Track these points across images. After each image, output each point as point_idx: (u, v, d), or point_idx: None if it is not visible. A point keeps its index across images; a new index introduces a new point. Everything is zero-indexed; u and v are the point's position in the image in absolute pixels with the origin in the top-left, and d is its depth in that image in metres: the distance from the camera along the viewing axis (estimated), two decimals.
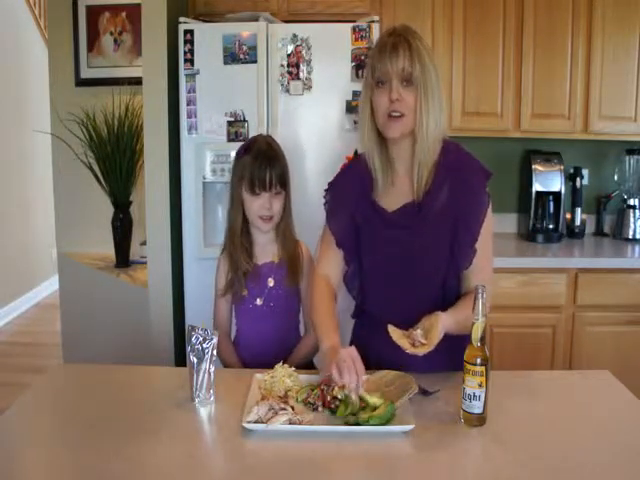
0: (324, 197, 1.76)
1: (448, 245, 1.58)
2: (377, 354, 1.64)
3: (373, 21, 2.74)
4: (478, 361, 1.34)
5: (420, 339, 1.43)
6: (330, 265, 1.71)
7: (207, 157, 2.80)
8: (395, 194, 1.63)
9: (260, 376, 1.55)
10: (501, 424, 1.38)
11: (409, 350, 1.41)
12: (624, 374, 1.68)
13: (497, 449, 1.30)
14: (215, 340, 1.49)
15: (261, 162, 1.78)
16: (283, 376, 1.53)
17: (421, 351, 1.41)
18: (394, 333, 1.45)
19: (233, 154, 2.72)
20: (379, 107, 1.55)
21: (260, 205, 1.80)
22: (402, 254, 1.60)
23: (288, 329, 1.90)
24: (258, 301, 1.85)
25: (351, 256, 1.69)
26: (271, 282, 1.85)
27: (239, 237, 1.85)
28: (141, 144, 3.12)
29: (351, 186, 1.69)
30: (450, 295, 1.63)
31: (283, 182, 1.82)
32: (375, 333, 1.59)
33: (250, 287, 1.85)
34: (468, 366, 1.35)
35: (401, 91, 1.52)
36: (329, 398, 1.42)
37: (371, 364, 1.64)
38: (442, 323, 1.44)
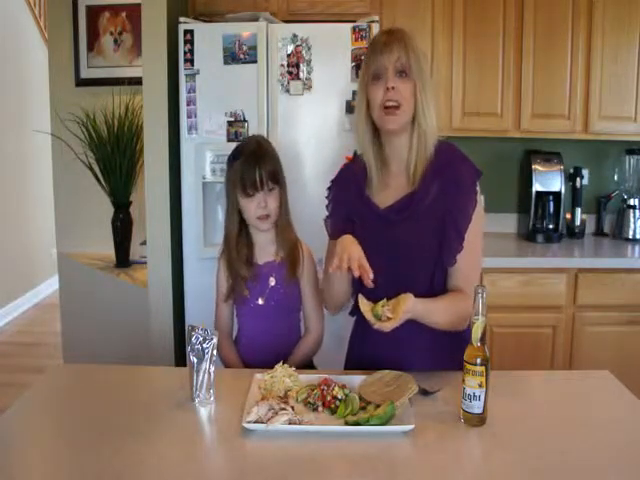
0: (326, 197, 1.77)
1: (436, 242, 1.59)
2: (372, 351, 1.67)
3: (373, 21, 2.74)
4: (478, 361, 1.34)
5: (387, 314, 1.44)
6: None
7: (207, 157, 2.80)
8: (389, 191, 1.65)
9: (260, 376, 1.55)
10: (501, 424, 1.38)
11: (375, 325, 1.43)
12: (624, 374, 1.68)
13: (497, 449, 1.30)
14: (215, 340, 1.49)
15: (250, 163, 1.78)
16: (283, 376, 1.53)
17: (387, 325, 1.43)
18: (363, 305, 1.48)
19: None
20: (374, 101, 1.58)
21: (256, 205, 1.79)
22: (392, 250, 1.61)
23: (289, 328, 1.90)
24: (260, 300, 1.85)
25: None
26: (272, 281, 1.85)
27: (235, 246, 1.85)
28: (141, 144, 3.12)
29: (348, 184, 1.71)
30: (439, 294, 1.62)
31: (275, 179, 1.81)
32: (370, 330, 1.59)
33: (251, 287, 1.85)
34: (468, 366, 1.35)
35: (397, 81, 1.55)
36: (329, 398, 1.42)
37: (368, 362, 1.65)
38: (411, 300, 1.46)
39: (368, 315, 1.46)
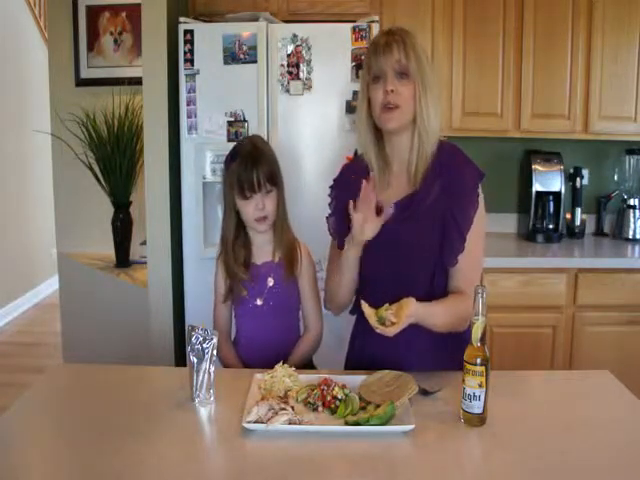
0: (329, 195, 1.77)
1: (437, 242, 1.59)
2: (372, 351, 1.67)
3: (373, 21, 2.74)
4: (478, 361, 1.34)
5: (391, 318, 1.45)
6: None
7: (207, 157, 2.80)
8: (390, 191, 1.65)
9: (260, 376, 1.55)
10: (501, 424, 1.38)
11: (379, 329, 1.44)
12: (624, 374, 1.68)
13: (497, 449, 1.30)
14: (215, 340, 1.49)
15: (247, 165, 1.77)
16: (283, 376, 1.53)
17: (391, 330, 1.43)
18: (366, 310, 1.48)
19: None
20: (375, 101, 1.59)
21: (253, 207, 1.78)
22: (393, 249, 1.61)
23: (289, 328, 1.90)
24: (258, 301, 1.85)
25: None
26: (271, 282, 1.85)
27: (232, 247, 1.85)
28: (141, 144, 3.12)
29: (350, 183, 1.70)
30: (439, 294, 1.62)
31: (273, 180, 1.80)
32: (371, 329, 1.59)
33: (250, 287, 1.85)
34: (468, 366, 1.35)
35: (396, 84, 1.55)
36: (329, 398, 1.42)
37: (367, 362, 1.65)
38: (414, 305, 1.46)
39: (372, 320, 1.46)
